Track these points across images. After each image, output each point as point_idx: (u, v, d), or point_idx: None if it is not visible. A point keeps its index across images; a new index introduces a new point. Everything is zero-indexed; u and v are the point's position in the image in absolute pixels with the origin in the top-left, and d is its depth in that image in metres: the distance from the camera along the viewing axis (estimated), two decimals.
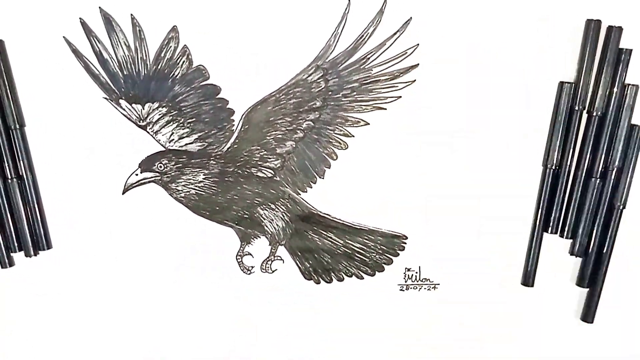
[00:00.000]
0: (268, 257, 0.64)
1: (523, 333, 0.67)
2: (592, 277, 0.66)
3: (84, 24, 0.58)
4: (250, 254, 0.64)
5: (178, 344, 0.65)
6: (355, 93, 0.61)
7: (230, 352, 0.66)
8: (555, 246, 0.66)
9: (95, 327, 0.64)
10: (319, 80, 0.60)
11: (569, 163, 0.64)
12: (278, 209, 0.63)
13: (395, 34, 0.59)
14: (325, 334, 0.66)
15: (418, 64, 0.60)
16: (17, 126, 0.59)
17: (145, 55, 0.58)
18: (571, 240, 0.65)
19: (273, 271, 0.65)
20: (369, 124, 0.62)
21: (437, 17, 0.59)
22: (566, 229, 0.65)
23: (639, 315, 0.68)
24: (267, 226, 0.63)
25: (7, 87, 0.58)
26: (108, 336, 0.64)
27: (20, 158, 0.60)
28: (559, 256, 0.66)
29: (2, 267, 0.62)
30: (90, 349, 0.65)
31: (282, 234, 0.64)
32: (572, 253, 0.66)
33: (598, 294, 0.66)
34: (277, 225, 0.64)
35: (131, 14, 0.58)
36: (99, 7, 0.57)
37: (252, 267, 0.64)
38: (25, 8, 0.57)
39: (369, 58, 0.60)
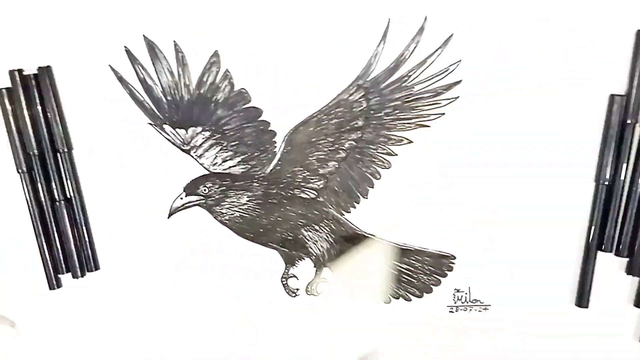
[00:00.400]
0: (313, 279, 0.64)
1: (578, 357, 0.65)
2: None
3: (128, 52, 0.59)
4: (295, 277, 0.64)
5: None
6: (397, 111, 0.60)
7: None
8: (611, 265, 0.64)
9: (140, 344, 0.65)
10: (360, 100, 0.60)
11: (623, 179, 0.62)
12: (322, 230, 0.63)
13: (436, 51, 0.59)
14: (369, 355, 0.65)
15: (461, 80, 0.59)
16: (65, 149, 0.61)
17: (188, 81, 0.59)
18: (627, 259, 0.63)
19: (318, 294, 0.64)
20: (412, 142, 0.61)
21: (478, 33, 0.58)
22: (622, 246, 0.63)
23: None
24: (311, 248, 0.63)
25: (55, 111, 0.60)
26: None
27: (68, 180, 0.61)
28: (614, 275, 0.64)
29: (50, 289, 0.63)
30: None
31: (326, 255, 0.63)
32: (628, 272, 0.64)
33: None
34: (321, 246, 0.63)
35: (174, 41, 0.58)
36: (143, 35, 0.58)
37: (298, 289, 0.64)
38: (72, 36, 0.58)
39: (410, 76, 0.59)
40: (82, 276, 0.63)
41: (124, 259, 0.63)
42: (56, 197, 0.61)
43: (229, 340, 0.65)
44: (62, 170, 0.61)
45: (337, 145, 0.61)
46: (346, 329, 0.65)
